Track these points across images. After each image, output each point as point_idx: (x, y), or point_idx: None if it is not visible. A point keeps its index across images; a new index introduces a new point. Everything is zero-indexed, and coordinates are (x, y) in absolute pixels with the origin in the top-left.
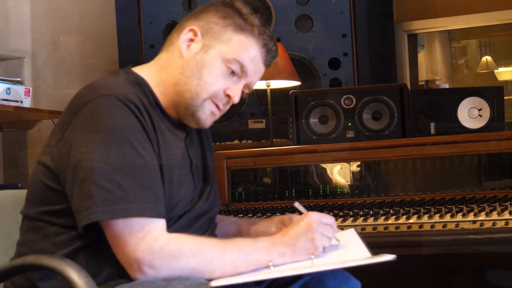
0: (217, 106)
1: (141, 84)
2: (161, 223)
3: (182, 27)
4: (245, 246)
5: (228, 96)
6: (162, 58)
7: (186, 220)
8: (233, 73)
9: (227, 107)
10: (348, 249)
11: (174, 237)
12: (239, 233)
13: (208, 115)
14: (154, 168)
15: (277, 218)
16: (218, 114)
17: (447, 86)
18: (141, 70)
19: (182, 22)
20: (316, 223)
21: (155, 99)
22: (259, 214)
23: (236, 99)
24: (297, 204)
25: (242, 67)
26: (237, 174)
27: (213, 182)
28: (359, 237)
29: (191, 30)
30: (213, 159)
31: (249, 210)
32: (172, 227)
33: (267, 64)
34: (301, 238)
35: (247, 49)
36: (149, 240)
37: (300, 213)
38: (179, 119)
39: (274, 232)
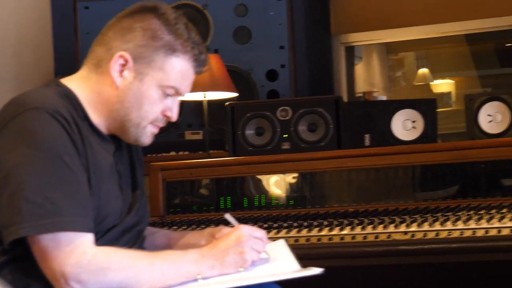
0: (157, 126)
1: (71, 97)
2: (89, 237)
3: (109, 47)
4: (175, 258)
5: (166, 116)
6: (91, 77)
7: (114, 233)
8: (168, 94)
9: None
10: (278, 262)
11: (102, 250)
12: (169, 246)
13: (149, 137)
14: (83, 182)
15: (208, 230)
16: (157, 131)
17: (384, 98)
18: (70, 83)
19: (108, 41)
20: (246, 237)
21: (84, 113)
22: (194, 226)
23: (175, 118)
24: (227, 216)
25: (177, 90)
26: (173, 186)
27: (143, 195)
28: (289, 249)
29: (121, 56)
30: (143, 171)
31: (184, 222)
32: (99, 241)
33: (198, 74)
34: (231, 251)
35: (181, 72)
36: (77, 254)
37: (232, 225)
38: (109, 134)
39: (204, 244)
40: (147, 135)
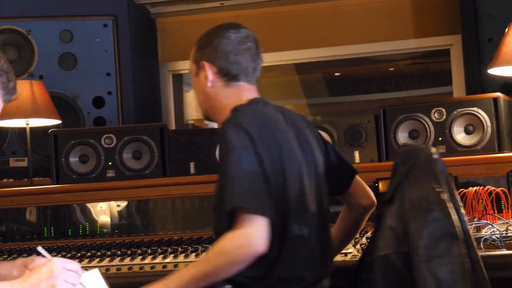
0: None
1: None
2: None
3: None
4: None
5: None
6: None
7: None
8: None
9: None
10: None
11: None
12: None
13: None
14: None
15: (20, 261)
16: None
17: (215, 125)
18: None
19: None
20: (58, 270)
21: None
22: (15, 255)
23: None
24: (40, 248)
25: None
26: None
27: None
28: (103, 278)
29: None
30: None
31: (5, 251)
32: None
33: (7, 102)
34: (42, 284)
35: None
36: None
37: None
38: None
39: (17, 275)
40: None
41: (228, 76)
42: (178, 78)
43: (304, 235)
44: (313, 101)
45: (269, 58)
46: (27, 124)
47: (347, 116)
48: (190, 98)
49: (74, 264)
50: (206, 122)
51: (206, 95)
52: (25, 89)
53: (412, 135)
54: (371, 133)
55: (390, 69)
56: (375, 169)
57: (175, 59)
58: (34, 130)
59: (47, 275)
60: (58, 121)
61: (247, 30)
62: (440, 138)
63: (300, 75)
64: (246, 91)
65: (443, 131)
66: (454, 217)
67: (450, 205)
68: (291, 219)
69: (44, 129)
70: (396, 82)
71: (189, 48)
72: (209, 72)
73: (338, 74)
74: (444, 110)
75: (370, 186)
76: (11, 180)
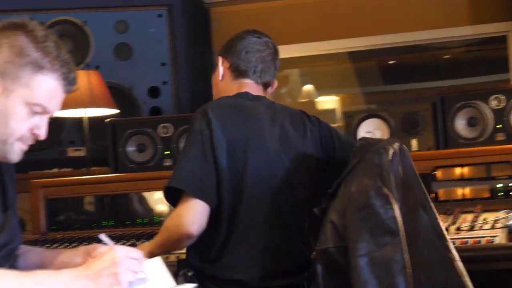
0: (25, 143)
1: None
2: None
3: None
4: (46, 278)
5: (34, 134)
6: None
7: None
8: (36, 112)
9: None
10: (153, 281)
11: None
12: (43, 265)
13: (17, 154)
14: None
15: (83, 248)
16: (27, 148)
17: None
18: None
19: None
20: (120, 258)
21: None
22: (76, 243)
23: (43, 136)
24: (102, 236)
25: (45, 108)
26: (55, 203)
27: (14, 215)
28: (164, 266)
29: None
30: (15, 190)
31: (66, 240)
32: None
33: (68, 92)
34: (104, 272)
35: (48, 90)
36: None
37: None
38: None
39: (80, 262)
40: (15, 152)
41: (237, 71)
42: None
43: (261, 225)
44: (367, 89)
45: (323, 47)
46: (85, 114)
47: (404, 104)
48: None
49: (136, 252)
50: None
51: (217, 88)
52: (82, 79)
53: (470, 122)
54: (428, 121)
55: (445, 56)
56: (433, 157)
57: None
58: (91, 120)
59: (110, 262)
60: (114, 111)
61: (267, 38)
62: (499, 126)
63: (354, 64)
64: (248, 88)
65: (502, 118)
66: (397, 213)
67: (393, 201)
68: (245, 204)
69: (101, 119)
70: (451, 69)
71: None
72: (222, 67)
73: (392, 62)
74: (503, 97)
75: (427, 174)
76: (69, 169)
